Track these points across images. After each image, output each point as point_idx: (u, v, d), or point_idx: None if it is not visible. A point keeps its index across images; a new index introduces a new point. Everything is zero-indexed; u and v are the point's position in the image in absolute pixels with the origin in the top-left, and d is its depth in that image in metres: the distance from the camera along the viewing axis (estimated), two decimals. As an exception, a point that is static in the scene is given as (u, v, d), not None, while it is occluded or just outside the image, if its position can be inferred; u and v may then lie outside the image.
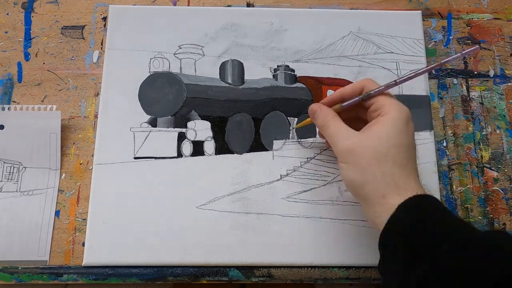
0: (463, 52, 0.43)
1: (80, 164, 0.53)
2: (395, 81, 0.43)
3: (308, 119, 0.48)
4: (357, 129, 0.42)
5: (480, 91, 0.57)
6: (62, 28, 0.59)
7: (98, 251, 0.49)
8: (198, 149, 0.53)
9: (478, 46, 0.44)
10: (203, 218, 0.51)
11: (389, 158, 0.39)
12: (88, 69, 0.57)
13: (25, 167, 0.53)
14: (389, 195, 0.38)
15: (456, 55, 0.44)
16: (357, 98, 0.44)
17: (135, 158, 0.53)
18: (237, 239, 0.50)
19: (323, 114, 0.45)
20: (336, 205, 0.52)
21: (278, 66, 0.57)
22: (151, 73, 0.55)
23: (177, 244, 0.50)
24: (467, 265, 0.33)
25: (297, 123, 0.55)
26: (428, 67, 0.45)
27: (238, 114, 0.55)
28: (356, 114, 0.47)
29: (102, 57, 0.57)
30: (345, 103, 0.45)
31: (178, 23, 0.58)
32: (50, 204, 0.52)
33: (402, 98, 0.55)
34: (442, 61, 0.43)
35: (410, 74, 0.44)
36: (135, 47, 0.57)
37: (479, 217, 0.53)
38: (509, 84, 0.58)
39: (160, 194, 0.51)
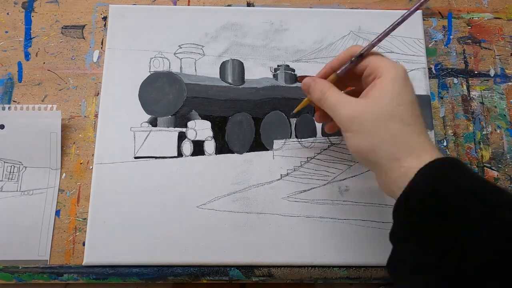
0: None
1: (81, 163, 0.53)
2: (380, 35, 0.41)
3: (306, 100, 0.46)
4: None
5: (481, 90, 0.57)
6: (62, 27, 0.59)
7: (98, 250, 0.49)
8: (198, 148, 0.53)
9: None
10: (203, 218, 0.51)
11: (396, 118, 0.37)
12: (88, 68, 0.57)
13: (26, 167, 0.53)
14: (403, 157, 0.36)
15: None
16: (349, 62, 0.42)
17: (136, 157, 0.53)
18: (237, 239, 0.50)
19: (318, 86, 0.42)
20: (336, 205, 0.52)
21: (278, 65, 0.57)
22: (152, 72, 0.55)
23: (177, 244, 0.50)
24: (492, 238, 0.30)
25: (296, 122, 0.55)
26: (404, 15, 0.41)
27: (238, 114, 0.55)
28: (352, 86, 0.45)
29: (102, 57, 0.57)
30: (340, 70, 0.42)
31: (178, 23, 0.58)
32: (51, 203, 0.52)
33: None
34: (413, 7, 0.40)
35: (389, 27, 0.41)
36: (135, 46, 0.57)
37: (480, 217, 0.52)
38: (510, 83, 0.58)
39: (160, 194, 0.51)
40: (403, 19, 0.41)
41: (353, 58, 0.41)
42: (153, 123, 0.54)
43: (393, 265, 0.38)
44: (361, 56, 0.41)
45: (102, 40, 0.58)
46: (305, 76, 0.55)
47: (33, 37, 0.58)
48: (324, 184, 0.52)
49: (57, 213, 0.52)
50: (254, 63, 0.57)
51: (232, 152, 0.53)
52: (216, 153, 0.53)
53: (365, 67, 0.41)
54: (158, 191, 0.51)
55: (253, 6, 0.60)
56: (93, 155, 0.53)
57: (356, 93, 0.42)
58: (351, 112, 0.38)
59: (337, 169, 0.53)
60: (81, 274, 0.49)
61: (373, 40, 0.41)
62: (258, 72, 0.56)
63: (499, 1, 0.61)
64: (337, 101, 0.40)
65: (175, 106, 0.54)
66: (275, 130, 0.55)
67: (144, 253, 0.49)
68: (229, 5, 0.60)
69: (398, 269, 0.37)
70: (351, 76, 0.42)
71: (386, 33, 0.41)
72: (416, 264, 0.34)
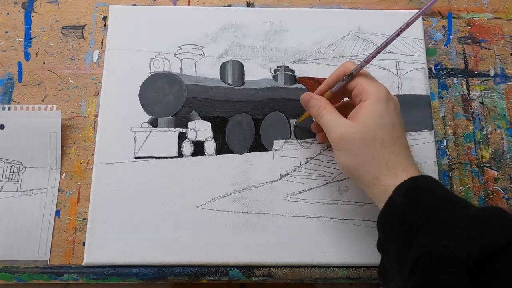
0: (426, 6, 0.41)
1: (81, 163, 0.54)
2: (368, 56, 0.44)
3: (307, 112, 0.50)
4: (349, 113, 0.44)
5: (481, 90, 0.57)
6: (62, 27, 0.59)
7: (98, 250, 0.50)
8: (198, 149, 0.53)
9: None
10: (203, 218, 0.51)
11: (377, 141, 0.41)
12: (88, 68, 0.57)
13: (26, 167, 0.53)
14: (381, 176, 0.40)
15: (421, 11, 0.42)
16: (342, 81, 0.45)
17: (136, 158, 0.53)
18: (237, 239, 0.50)
19: (315, 103, 0.46)
20: (335, 204, 0.52)
21: (278, 66, 0.57)
22: (152, 73, 0.55)
23: (177, 244, 0.50)
24: (457, 243, 0.33)
25: (297, 120, 0.55)
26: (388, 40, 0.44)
27: (239, 115, 0.55)
28: (346, 98, 0.49)
29: (102, 57, 0.57)
30: (334, 88, 0.46)
31: (178, 23, 0.58)
32: (51, 203, 0.52)
33: (402, 98, 0.55)
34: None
35: (380, 46, 0.44)
36: (135, 47, 0.57)
37: (479, 217, 0.53)
38: (510, 83, 0.58)
39: (160, 194, 0.51)
40: (391, 40, 0.44)
41: (344, 77, 0.45)
42: (154, 123, 0.54)
43: (381, 273, 0.41)
44: (352, 75, 0.45)
45: (102, 40, 0.58)
46: (305, 77, 0.56)
47: (33, 37, 0.58)
48: (324, 184, 0.52)
49: (57, 213, 0.52)
50: (254, 64, 0.57)
51: (232, 153, 0.53)
52: (216, 154, 0.53)
53: (355, 86, 0.44)
54: (158, 191, 0.52)
55: (253, 6, 0.60)
56: (93, 155, 0.53)
57: (350, 104, 0.47)
58: (340, 133, 0.43)
59: (337, 169, 0.53)
60: (81, 274, 0.50)
61: (362, 61, 0.44)
62: (258, 73, 0.56)
63: (499, 1, 0.61)
64: (329, 121, 0.44)
65: (175, 106, 0.54)
66: (275, 131, 0.55)
67: (144, 253, 0.50)
68: (229, 5, 0.60)
69: (385, 278, 0.40)
70: (345, 90, 0.46)
71: (377, 52, 0.44)
72: (396, 273, 0.37)
